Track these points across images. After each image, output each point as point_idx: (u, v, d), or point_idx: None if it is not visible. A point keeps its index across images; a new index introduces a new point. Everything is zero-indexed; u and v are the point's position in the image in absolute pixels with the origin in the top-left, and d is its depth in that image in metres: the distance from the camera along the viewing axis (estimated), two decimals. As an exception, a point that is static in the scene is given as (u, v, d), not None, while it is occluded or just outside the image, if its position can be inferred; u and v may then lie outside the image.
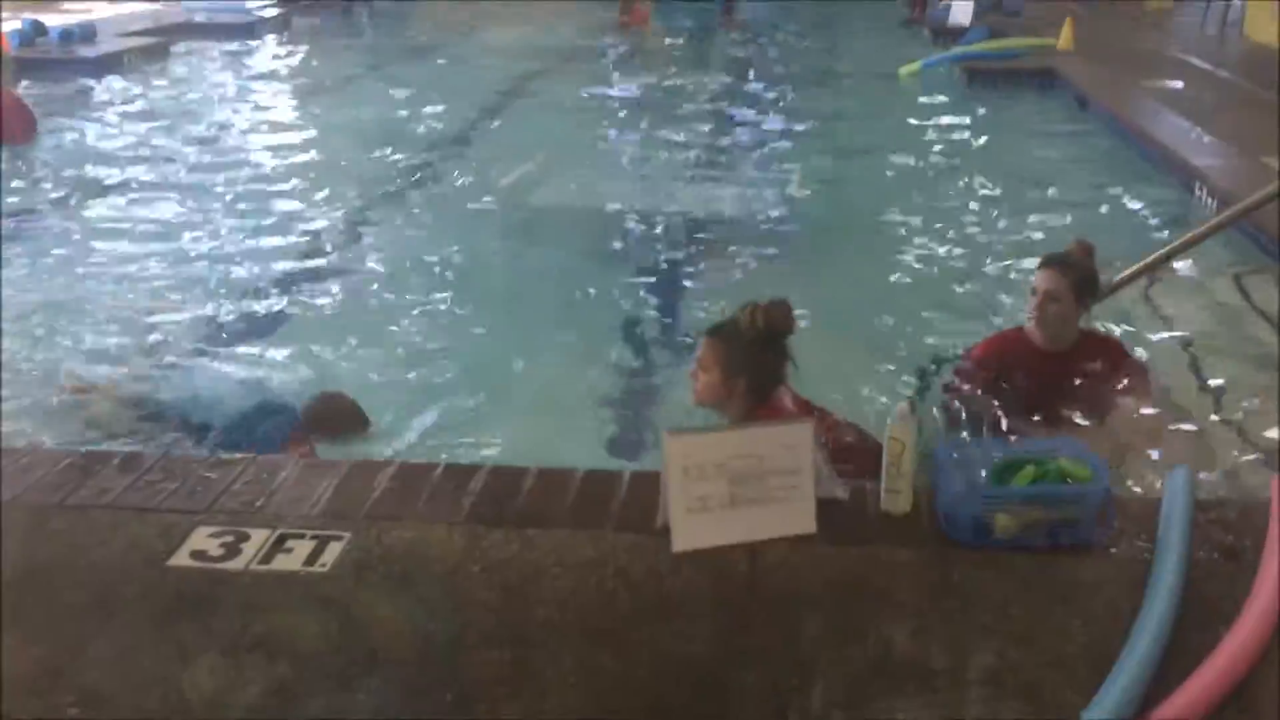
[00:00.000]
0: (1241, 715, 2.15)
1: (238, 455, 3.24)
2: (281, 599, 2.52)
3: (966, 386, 4.09)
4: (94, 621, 2.45)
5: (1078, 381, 4.00)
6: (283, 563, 2.65)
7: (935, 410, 4.17)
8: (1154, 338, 4.98)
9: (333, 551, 2.69)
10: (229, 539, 2.74)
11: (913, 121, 10.33)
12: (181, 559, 2.66)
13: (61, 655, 2.34)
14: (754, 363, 3.37)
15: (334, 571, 2.62)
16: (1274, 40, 12.33)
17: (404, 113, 10.80)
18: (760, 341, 3.35)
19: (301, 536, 2.75)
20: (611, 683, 2.27)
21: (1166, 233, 6.17)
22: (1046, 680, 2.24)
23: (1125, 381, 4.03)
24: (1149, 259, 4.88)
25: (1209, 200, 6.81)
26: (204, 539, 2.74)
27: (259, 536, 2.75)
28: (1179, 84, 10.46)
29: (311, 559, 2.66)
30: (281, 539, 2.74)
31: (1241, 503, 3.02)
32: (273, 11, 16.68)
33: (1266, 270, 5.62)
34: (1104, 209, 7.16)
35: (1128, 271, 4.78)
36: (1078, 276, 3.95)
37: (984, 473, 2.80)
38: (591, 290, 5.84)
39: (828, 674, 2.27)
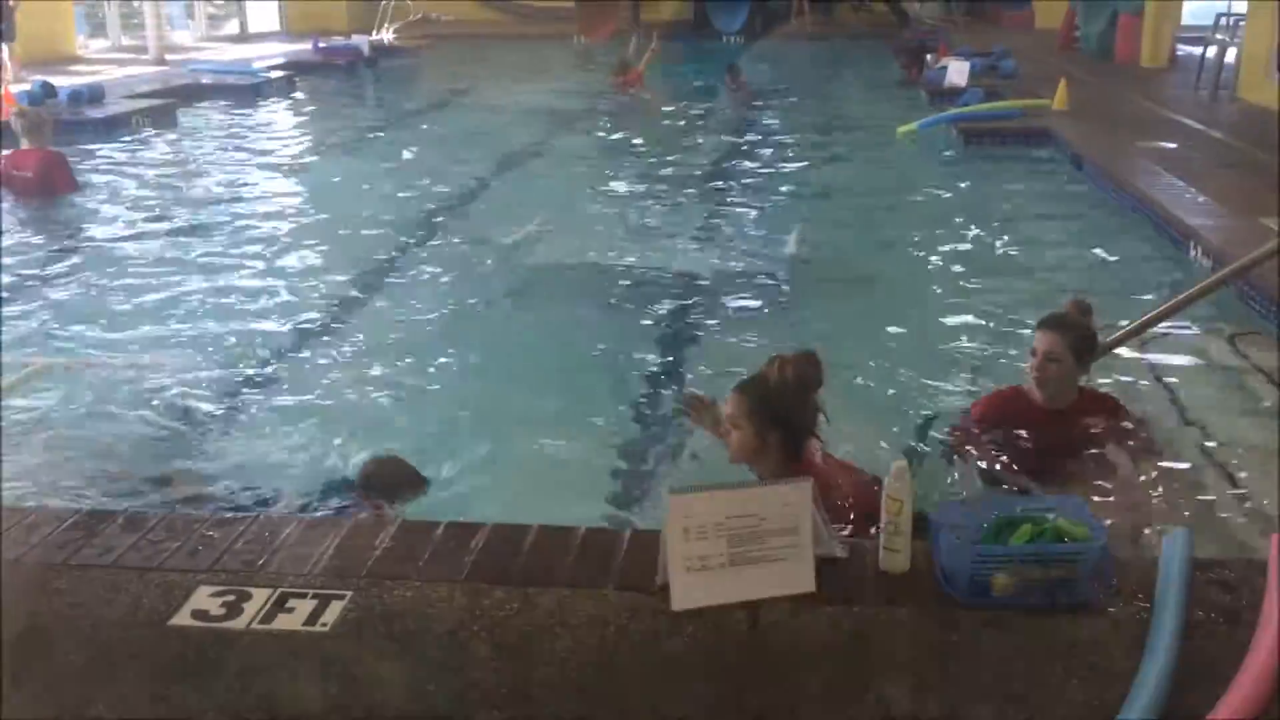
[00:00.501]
0: (1241, 776, 2.15)
1: (240, 514, 3.26)
2: (282, 658, 2.52)
3: (966, 444, 4.11)
4: (96, 681, 2.45)
5: (1078, 439, 4.02)
6: (284, 622, 2.66)
7: (934, 469, 4.20)
8: (1149, 396, 5.00)
9: (334, 611, 2.70)
10: (230, 598, 2.75)
11: (909, 181, 10.42)
12: (183, 618, 2.68)
13: (64, 715, 2.35)
14: (785, 416, 3.36)
15: (335, 631, 2.63)
16: (1266, 101, 12.46)
17: (406, 174, 10.91)
18: (790, 394, 3.35)
19: (303, 595, 2.76)
20: (611, 743, 2.28)
21: (1161, 292, 6.20)
22: (1046, 740, 2.25)
23: (1126, 438, 4.06)
24: (1144, 317, 4.93)
25: (1203, 259, 6.86)
26: (205, 598, 2.76)
27: (260, 596, 2.76)
28: (1172, 144, 10.56)
29: (313, 618, 2.67)
30: (283, 598, 2.75)
31: (1240, 562, 3.02)
32: (278, 73, 16.90)
33: (1262, 332, 5.64)
34: (1099, 268, 7.21)
35: (1123, 330, 4.83)
36: (1076, 336, 4.00)
37: (980, 531, 2.82)
38: (594, 349, 5.87)
39: (827, 734, 2.28)
